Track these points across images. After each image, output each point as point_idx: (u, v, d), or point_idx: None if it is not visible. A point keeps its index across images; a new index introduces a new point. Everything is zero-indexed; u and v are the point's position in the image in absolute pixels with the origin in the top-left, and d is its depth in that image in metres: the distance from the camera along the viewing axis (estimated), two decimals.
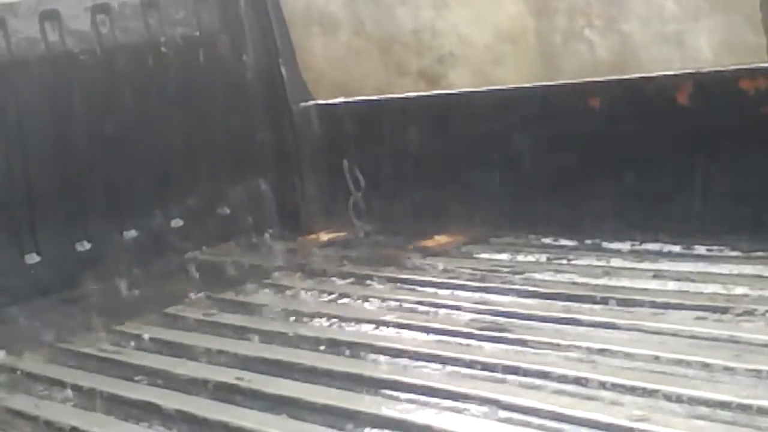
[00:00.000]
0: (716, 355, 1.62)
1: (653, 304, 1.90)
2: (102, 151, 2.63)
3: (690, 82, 2.20)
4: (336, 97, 2.92)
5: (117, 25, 2.65)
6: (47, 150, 2.55)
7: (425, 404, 1.60)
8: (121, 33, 2.66)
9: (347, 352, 1.89)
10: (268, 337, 2.03)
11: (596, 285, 2.06)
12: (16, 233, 2.48)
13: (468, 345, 1.83)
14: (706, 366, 1.59)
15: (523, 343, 1.80)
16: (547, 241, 2.44)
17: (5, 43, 2.46)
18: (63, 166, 2.57)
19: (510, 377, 1.66)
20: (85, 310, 2.37)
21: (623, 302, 1.93)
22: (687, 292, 1.95)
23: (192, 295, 2.38)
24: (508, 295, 2.09)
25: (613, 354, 1.69)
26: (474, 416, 1.54)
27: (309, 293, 2.31)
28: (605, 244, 2.32)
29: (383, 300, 2.18)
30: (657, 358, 1.64)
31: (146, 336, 2.13)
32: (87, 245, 2.59)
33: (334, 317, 2.10)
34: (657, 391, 1.51)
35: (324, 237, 2.83)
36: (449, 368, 1.74)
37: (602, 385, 1.57)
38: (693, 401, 1.47)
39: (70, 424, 1.68)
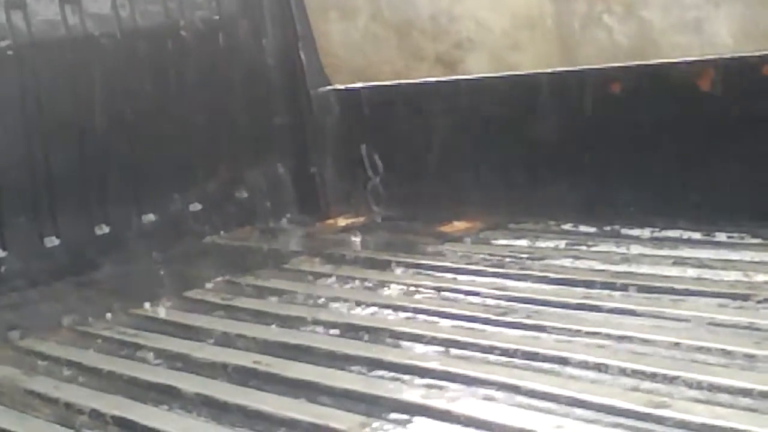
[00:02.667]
0: (737, 343, 1.61)
1: (673, 291, 1.89)
2: (121, 134, 2.64)
3: (713, 68, 2.18)
4: (353, 82, 2.92)
5: (137, 8, 2.66)
6: (67, 133, 2.55)
7: (444, 389, 1.59)
8: (140, 16, 2.67)
9: (366, 337, 1.89)
10: (286, 321, 2.04)
11: (616, 272, 2.05)
12: (36, 217, 2.49)
13: (487, 330, 1.83)
14: (726, 353, 1.58)
15: (541, 329, 1.79)
16: (566, 227, 2.43)
17: (25, 26, 2.47)
18: (82, 150, 2.57)
19: (529, 363, 1.65)
20: (104, 293, 2.38)
21: (643, 289, 1.92)
22: (707, 279, 1.94)
23: (210, 280, 2.38)
24: (526, 281, 2.08)
25: (632, 340, 1.68)
26: (493, 401, 1.53)
27: (327, 278, 2.31)
28: (624, 231, 2.32)
29: (401, 285, 2.18)
30: (677, 344, 1.63)
31: (165, 319, 2.14)
32: (106, 229, 2.60)
33: (353, 302, 2.09)
34: (677, 377, 1.51)
35: (342, 222, 2.83)
36: (468, 353, 1.73)
37: (622, 371, 1.56)
38: (713, 388, 1.47)
39: (90, 406, 1.68)
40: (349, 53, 3.14)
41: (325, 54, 3.04)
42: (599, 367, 1.59)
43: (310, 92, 2.92)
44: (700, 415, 1.39)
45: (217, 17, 2.83)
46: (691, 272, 2.00)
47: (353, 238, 2.65)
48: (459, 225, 2.58)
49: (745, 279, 1.91)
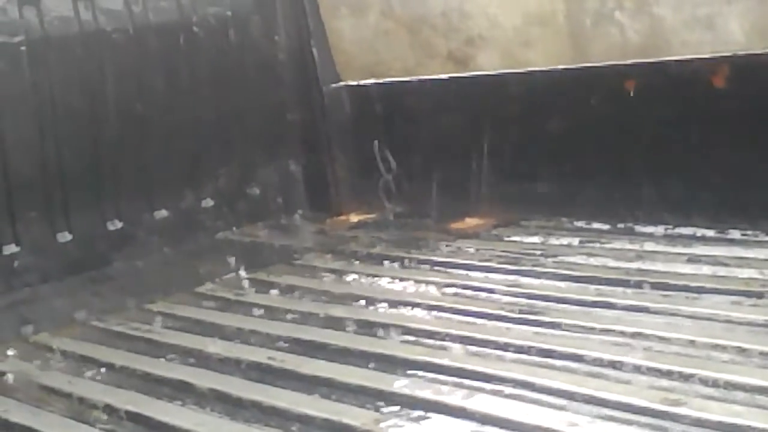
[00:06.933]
0: (752, 340, 1.60)
1: (688, 289, 1.88)
2: (133, 130, 2.64)
3: (727, 65, 2.18)
4: (364, 79, 2.92)
5: (149, 4, 2.66)
6: (79, 129, 2.56)
7: (458, 386, 1.59)
8: (153, 12, 2.67)
9: (379, 333, 1.89)
10: (299, 317, 2.04)
11: (630, 269, 2.05)
12: (49, 212, 2.49)
13: (501, 327, 1.83)
14: (742, 351, 1.57)
15: (556, 326, 1.79)
16: (579, 224, 2.43)
17: (39, 22, 2.47)
18: (95, 146, 2.58)
19: (544, 360, 1.65)
20: (117, 288, 2.39)
21: (657, 286, 1.92)
22: (722, 276, 1.94)
23: (222, 276, 2.38)
24: (540, 278, 2.08)
25: (647, 338, 1.67)
26: (507, 398, 1.53)
27: (340, 274, 2.31)
28: (638, 228, 2.31)
29: (414, 282, 2.17)
30: (692, 342, 1.63)
31: (178, 315, 2.14)
32: (118, 224, 2.60)
33: (366, 298, 2.09)
34: (693, 375, 1.50)
35: (354, 218, 2.83)
36: (482, 350, 1.73)
37: (637, 369, 1.56)
38: (729, 386, 1.46)
39: (104, 401, 1.68)
40: (361, 50, 3.14)
41: (336, 50, 3.04)
42: (614, 365, 1.58)
43: (322, 88, 2.92)
44: (716, 413, 1.39)
45: (230, 13, 2.83)
46: (706, 269, 1.99)
47: (365, 235, 2.64)
48: (471, 222, 2.58)
49: (760, 276, 1.91)
